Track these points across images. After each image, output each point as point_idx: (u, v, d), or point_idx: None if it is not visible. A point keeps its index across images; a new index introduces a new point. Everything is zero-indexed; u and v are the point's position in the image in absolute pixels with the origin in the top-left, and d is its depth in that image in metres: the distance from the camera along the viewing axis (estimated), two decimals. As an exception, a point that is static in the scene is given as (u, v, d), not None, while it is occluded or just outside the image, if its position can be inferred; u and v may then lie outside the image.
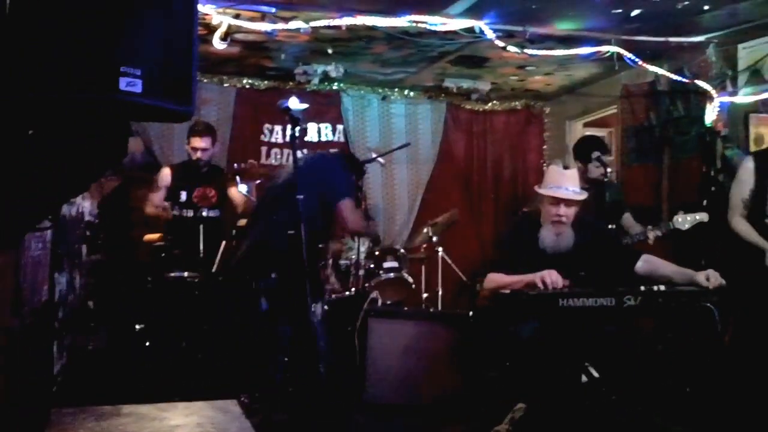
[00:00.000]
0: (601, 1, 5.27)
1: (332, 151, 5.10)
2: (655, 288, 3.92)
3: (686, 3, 5.30)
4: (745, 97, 5.97)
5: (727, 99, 6.03)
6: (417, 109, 8.36)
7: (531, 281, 4.06)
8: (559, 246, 4.37)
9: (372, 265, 6.39)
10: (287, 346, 4.66)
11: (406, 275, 6.50)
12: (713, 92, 6.03)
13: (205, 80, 7.41)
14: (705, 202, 5.48)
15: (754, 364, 4.69)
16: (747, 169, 4.87)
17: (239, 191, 5.94)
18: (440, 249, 6.80)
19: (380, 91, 8.16)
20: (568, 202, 4.34)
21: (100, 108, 1.96)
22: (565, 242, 4.38)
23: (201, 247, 5.40)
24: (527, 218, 4.66)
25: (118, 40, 1.92)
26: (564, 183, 4.36)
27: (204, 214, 5.80)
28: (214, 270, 5.41)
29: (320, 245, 4.83)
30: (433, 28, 5.55)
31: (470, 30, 5.61)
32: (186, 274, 5.33)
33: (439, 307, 6.72)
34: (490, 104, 8.65)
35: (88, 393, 4.33)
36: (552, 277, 4.00)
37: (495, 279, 4.31)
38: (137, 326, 5.29)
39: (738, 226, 4.85)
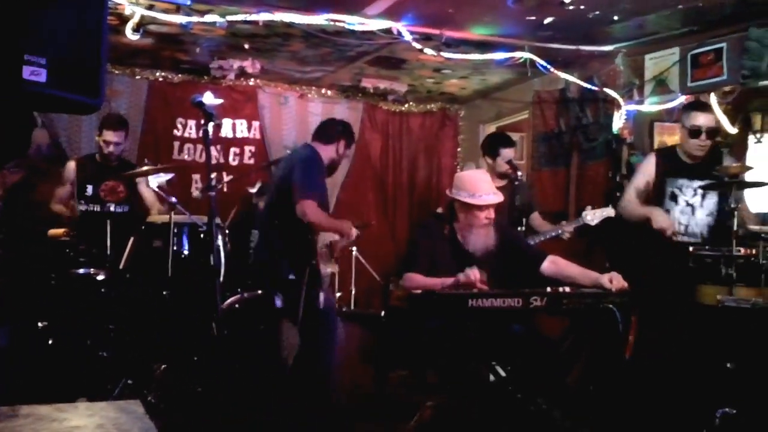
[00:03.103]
0: (515, 8, 5.37)
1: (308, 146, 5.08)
2: (561, 289, 4.03)
3: (597, 13, 5.45)
4: (650, 106, 6.18)
5: (633, 107, 6.23)
6: (334, 108, 8.35)
7: (454, 284, 4.12)
8: (486, 246, 4.46)
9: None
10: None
11: (319, 274, 6.49)
12: (621, 100, 6.22)
13: (116, 72, 7.24)
14: (610, 207, 5.64)
15: (654, 362, 4.86)
16: (649, 164, 5.14)
17: (149, 188, 5.81)
18: (354, 249, 6.82)
19: (298, 88, 8.13)
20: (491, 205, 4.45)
21: (2, 98, 1.90)
22: (491, 242, 4.47)
23: (108, 242, 5.27)
24: (436, 218, 4.74)
25: (23, 26, 1.86)
26: (489, 190, 4.46)
27: (111, 209, 5.67)
28: (121, 267, 5.29)
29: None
30: (351, 27, 5.56)
31: (388, 31, 5.65)
32: (92, 270, 5.19)
33: (353, 307, 6.74)
34: (406, 106, 8.72)
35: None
36: (475, 274, 4.07)
37: (415, 280, 4.34)
38: (40, 324, 5.13)
39: (625, 205, 5.13)
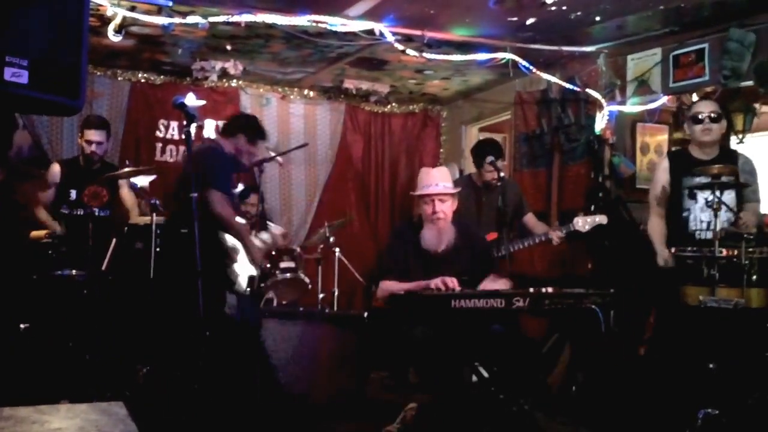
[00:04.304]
0: (497, 9, 5.38)
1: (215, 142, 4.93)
2: (543, 290, 4.04)
3: (578, 14, 5.47)
4: (632, 106, 6.20)
5: (615, 108, 6.24)
6: (316, 109, 8.35)
7: (426, 286, 4.13)
8: (441, 245, 4.46)
9: (268, 265, 6.35)
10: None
11: (302, 275, 6.48)
12: (603, 101, 6.24)
13: (98, 73, 7.19)
14: (593, 208, 5.65)
15: (637, 363, 4.88)
16: (662, 168, 5.08)
17: (131, 191, 5.79)
18: (337, 250, 6.81)
19: (279, 90, 8.11)
20: (441, 198, 4.43)
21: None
22: (447, 240, 4.46)
23: (90, 244, 5.25)
24: (410, 222, 4.76)
25: (3, 28, 1.85)
26: (432, 181, 4.47)
27: (95, 213, 5.65)
28: (103, 268, 5.27)
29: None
30: (333, 28, 5.55)
31: (370, 32, 5.64)
32: (74, 272, 5.17)
33: (335, 308, 6.73)
34: (388, 107, 8.72)
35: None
36: (448, 283, 4.09)
37: (388, 287, 4.35)
38: (22, 325, 5.10)
39: (649, 225, 5.06)
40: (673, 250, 4.63)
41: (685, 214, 4.91)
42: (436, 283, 4.11)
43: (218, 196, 4.44)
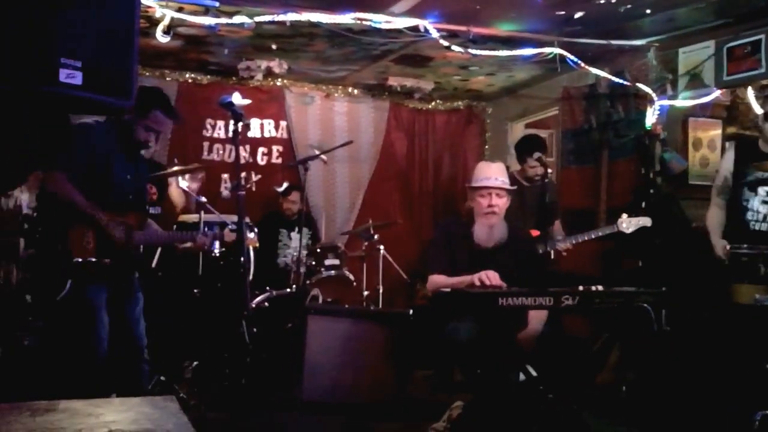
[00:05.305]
0: (543, 3, 5.33)
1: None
2: (593, 288, 3.97)
3: (628, 6, 5.38)
4: (684, 101, 6.07)
5: (666, 102, 6.11)
6: (359, 107, 8.36)
7: (471, 282, 4.11)
8: (493, 239, 4.42)
9: (313, 263, 6.39)
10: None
11: (347, 273, 6.51)
12: (653, 95, 6.13)
13: (146, 74, 7.27)
14: (644, 204, 5.55)
15: (689, 363, 4.80)
16: (728, 155, 4.96)
17: (179, 188, 5.85)
18: (381, 247, 6.81)
19: (323, 88, 8.13)
20: (499, 193, 4.41)
21: (40, 99, 1.91)
22: (499, 235, 4.43)
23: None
24: (457, 217, 4.73)
25: (59, 31, 1.88)
26: (492, 174, 4.45)
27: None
28: (153, 265, 5.33)
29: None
30: (377, 26, 5.54)
31: (414, 29, 5.62)
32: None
33: (380, 305, 6.73)
34: (432, 104, 8.69)
35: (23, 388, 4.23)
36: (490, 276, 4.06)
37: (437, 281, 4.34)
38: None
39: (708, 216, 4.96)
40: (728, 246, 4.51)
41: (744, 203, 4.79)
42: (479, 276, 4.08)
43: (53, 175, 4.03)
